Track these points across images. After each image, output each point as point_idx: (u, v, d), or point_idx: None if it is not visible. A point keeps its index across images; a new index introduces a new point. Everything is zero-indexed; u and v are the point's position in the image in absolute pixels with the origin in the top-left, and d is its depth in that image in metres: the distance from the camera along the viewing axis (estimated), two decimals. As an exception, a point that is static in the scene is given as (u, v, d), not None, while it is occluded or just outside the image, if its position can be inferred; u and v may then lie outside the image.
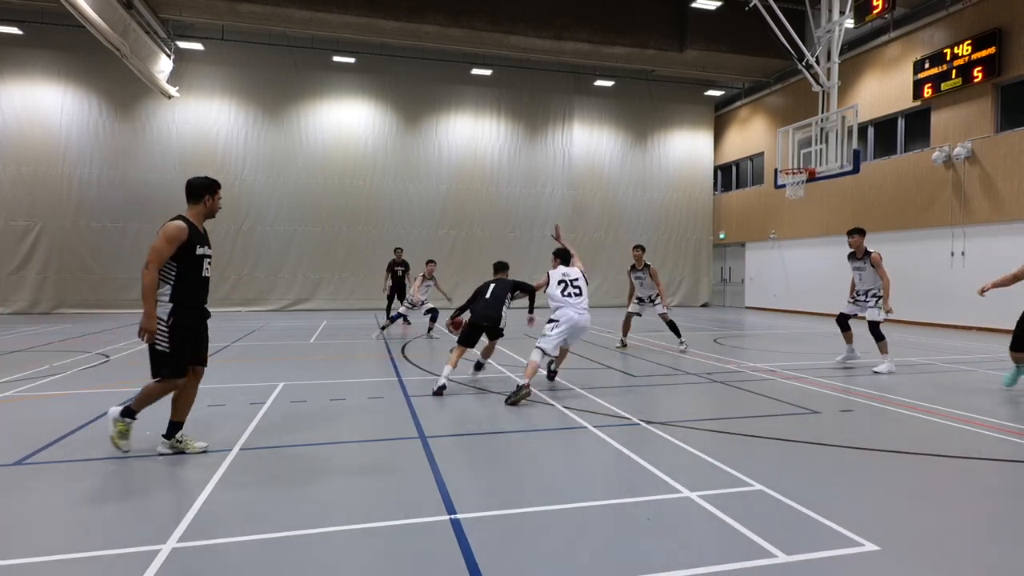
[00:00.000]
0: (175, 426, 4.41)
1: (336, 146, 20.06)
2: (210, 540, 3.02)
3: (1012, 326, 6.70)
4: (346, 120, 20.17)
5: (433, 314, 12.11)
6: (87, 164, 18.07)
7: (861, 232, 8.40)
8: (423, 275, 12.32)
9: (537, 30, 17.92)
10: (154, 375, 4.23)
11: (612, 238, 22.57)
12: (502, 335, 7.39)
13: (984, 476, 4.08)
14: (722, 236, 23.77)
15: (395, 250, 14.71)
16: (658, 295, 10.45)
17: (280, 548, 2.94)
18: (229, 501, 3.54)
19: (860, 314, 8.43)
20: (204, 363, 4.55)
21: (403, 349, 10.24)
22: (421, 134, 20.85)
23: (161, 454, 4.35)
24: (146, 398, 4.28)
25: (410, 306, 12.31)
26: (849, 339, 8.54)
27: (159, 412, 5.72)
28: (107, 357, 9.05)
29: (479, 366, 7.73)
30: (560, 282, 6.88)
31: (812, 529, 3.15)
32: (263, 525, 3.18)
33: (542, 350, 6.47)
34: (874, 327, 8.12)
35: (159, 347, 4.17)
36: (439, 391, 6.48)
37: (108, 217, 18.21)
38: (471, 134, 21.27)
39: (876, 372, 7.92)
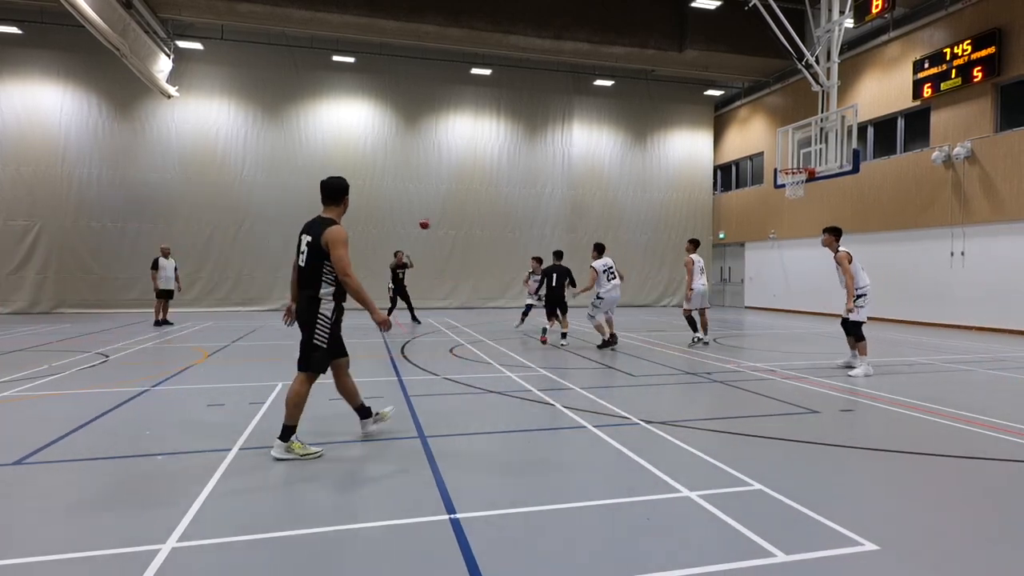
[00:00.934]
0: (288, 430, 4.32)
1: (336, 146, 20.05)
2: (210, 540, 3.02)
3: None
4: (346, 120, 20.16)
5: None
6: (87, 164, 18.05)
7: (831, 230, 8.26)
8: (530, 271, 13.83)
9: (537, 30, 17.92)
10: (303, 369, 4.41)
11: (612, 238, 22.53)
12: (567, 309, 10.93)
13: (984, 476, 4.08)
14: (722, 236, 23.78)
15: (395, 253, 14.86)
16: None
17: (280, 547, 2.94)
18: (229, 500, 3.54)
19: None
20: (347, 354, 4.80)
21: (403, 349, 10.24)
22: (421, 134, 20.84)
23: (278, 459, 4.22)
24: (295, 406, 4.34)
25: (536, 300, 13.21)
26: (852, 344, 8.26)
27: (150, 412, 5.73)
28: (106, 357, 9.05)
29: (564, 336, 10.68)
30: (606, 269, 10.22)
31: (812, 529, 3.15)
32: (262, 524, 3.18)
33: (593, 317, 10.24)
34: (851, 326, 8.02)
35: (318, 342, 4.39)
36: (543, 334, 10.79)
37: (108, 217, 18.20)
38: (471, 134, 21.27)
39: (851, 375, 7.76)
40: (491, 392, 6.69)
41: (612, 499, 3.56)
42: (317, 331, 4.40)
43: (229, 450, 4.45)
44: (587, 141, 22.45)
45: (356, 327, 14.11)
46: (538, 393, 6.59)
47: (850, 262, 7.90)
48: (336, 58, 19.45)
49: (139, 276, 17.56)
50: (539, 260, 13.93)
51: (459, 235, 21.18)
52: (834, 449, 4.63)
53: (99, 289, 18.06)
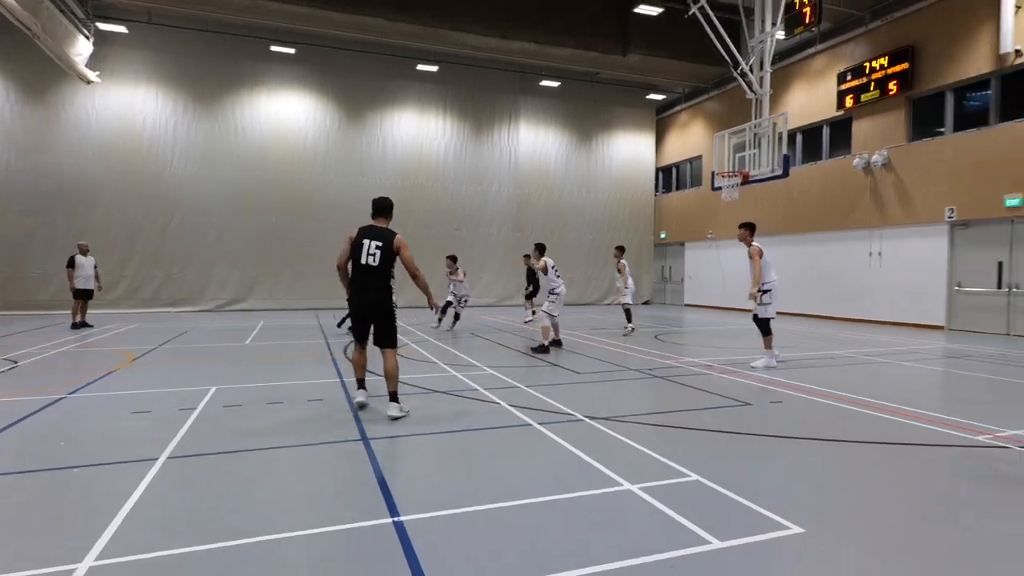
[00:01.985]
0: (395, 394, 5.52)
1: (275, 138, 19.38)
2: (133, 556, 2.85)
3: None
4: (285, 112, 19.52)
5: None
6: (-6, 151, 16.73)
7: (746, 225, 8.64)
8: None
9: (484, 28, 17.91)
10: (390, 345, 5.57)
11: (557, 237, 22.83)
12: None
13: (898, 459, 4.38)
14: (663, 236, 24.48)
15: None
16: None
17: (210, 561, 2.82)
18: (155, 513, 3.37)
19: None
20: None
21: (345, 350, 10.02)
22: (365, 129, 20.44)
23: (394, 417, 5.33)
24: (396, 375, 5.53)
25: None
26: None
27: (66, 421, 5.40)
28: (15, 363, 8.42)
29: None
30: (553, 267, 10.21)
31: (744, 515, 3.29)
32: (192, 537, 3.04)
33: (548, 313, 10.03)
34: (760, 322, 8.46)
35: (395, 324, 5.59)
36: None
37: (17, 207, 16.82)
38: (416, 130, 21.03)
39: (752, 367, 8.16)
40: (436, 392, 6.65)
41: (556, 495, 3.61)
42: (394, 316, 5.60)
43: (156, 459, 4.23)
44: (533, 141, 22.62)
45: (297, 327, 13.72)
46: (484, 392, 6.59)
47: (760, 257, 8.32)
48: (275, 48, 18.80)
49: (54, 274, 16.43)
50: (454, 259, 13.83)
51: (404, 233, 20.40)
52: (765, 439, 4.86)
53: (6, 288, 16.73)
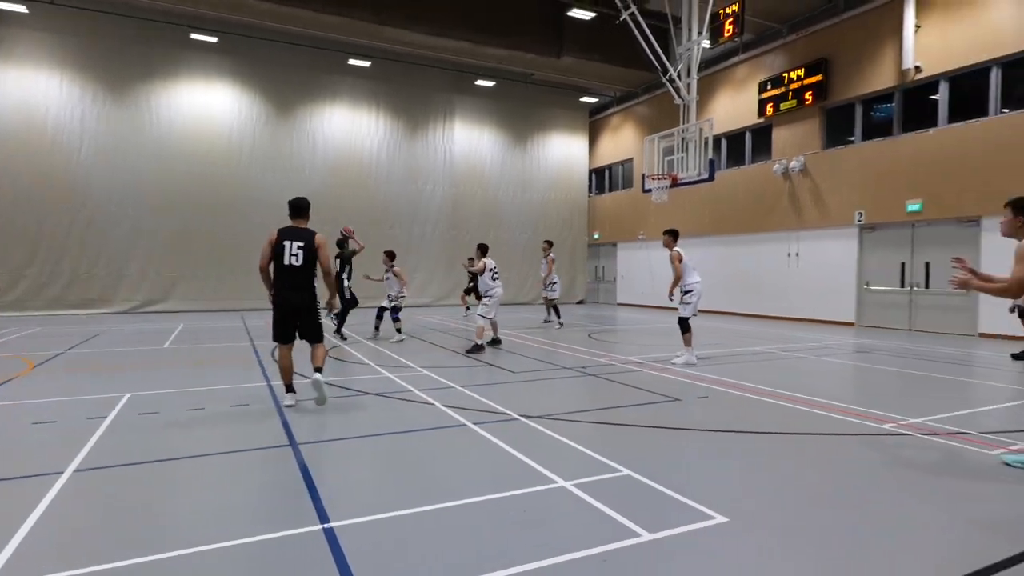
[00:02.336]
0: (320, 369, 5.84)
1: (195, 131, 18.39)
2: None
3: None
4: (206, 104, 18.55)
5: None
6: None
7: (669, 232, 9.26)
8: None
9: (417, 24, 17.66)
10: (320, 340, 5.93)
11: (493, 237, 22.84)
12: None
13: (814, 449, 4.65)
14: (596, 236, 24.99)
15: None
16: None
17: (124, 576, 2.64)
18: (59, 531, 3.12)
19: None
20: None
21: (273, 352, 9.65)
22: (294, 123, 19.74)
23: (320, 382, 5.72)
24: (323, 359, 5.93)
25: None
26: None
27: (-30, 431, 4.94)
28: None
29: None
30: (491, 269, 10.34)
31: (672, 507, 3.40)
32: (99, 556, 2.83)
33: (483, 316, 10.12)
34: (680, 321, 8.92)
35: (319, 320, 5.99)
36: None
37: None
38: (348, 126, 20.51)
39: (672, 363, 8.62)
40: (368, 394, 6.50)
41: (491, 494, 3.60)
42: (318, 312, 5.98)
43: (61, 473, 3.92)
44: (469, 140, 22.55)
45: (221, 329, 13.09)
46: (418, 393, 6.51)
47: (680, 261, 8.92)
48: (195, 36, 17.84)
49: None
50: (391, 255, 12.97)
51: (335, 231, 20.28)
52: (692, 433, 5.04)
53: None
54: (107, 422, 5.21)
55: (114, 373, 7.72)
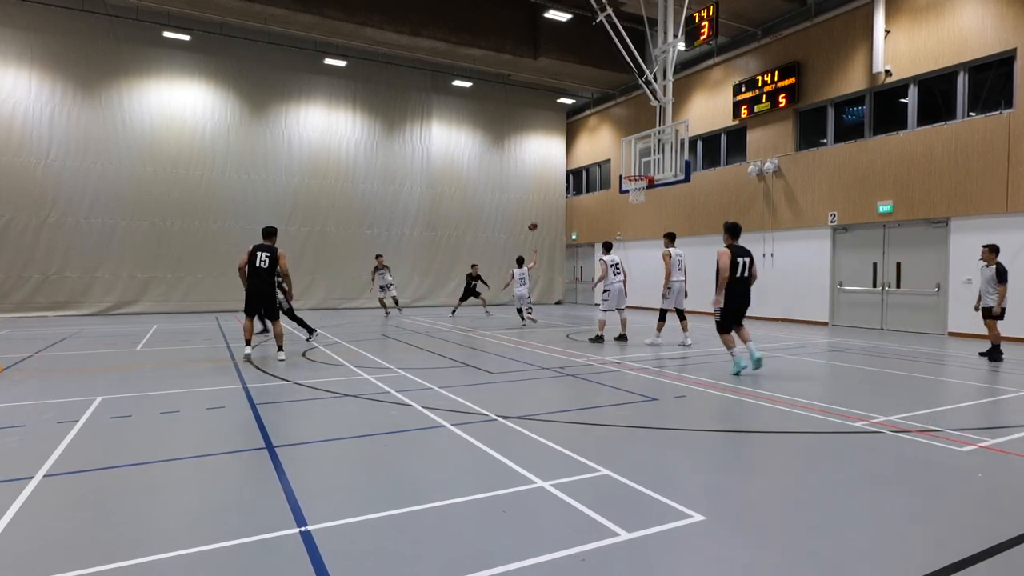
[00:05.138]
0: (282, 348, 8.98)
1: (167, 131, 18.06)
2: (2, 585, 2.57)
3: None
4: (179, 103, 18.23)
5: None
6: None
7: (665, 235, 11.01)
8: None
9: (393, 24, 17.59)
10: (277, 318, 8.96)
11: (471, 237, 22.86)
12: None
13: (789, 447, 4.73)
14: (574, 237, 25.10)
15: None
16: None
17: (95, 585, 2.58)
18: (28, 537, 3.04)
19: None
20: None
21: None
22: (268, 123, 19.49)
23: (282, 360, 8.56)
24: (282, 335, 9.04)
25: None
26: (685, 327, 10.84)
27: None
28: None
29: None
30: (613, 264, 11.15)
31: (650, 506, 3.43)
32: (72, 562, 2.76)
33: (604, 310, 11.40)
34: (661, 311, 10.99)
35: (276, 304, 8.90)
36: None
37: None
38: (324, 126, 20.32)
39: (646, 343, 10.77)
40: (346, 396, 6.45)
41: (469, 495, 3.60)
42: (275, 299, 8.88)
43: (30, 479, 3.82)
44: (446, 140, 22.49)
45: (195, 331, 12.85)
46: (396, 395, 6.48)
47: (669, 259, 10.63)
48: (167, 34, 17.52)
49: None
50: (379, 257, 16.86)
51: (312, 232, 20.16)
52: (670, 432, 5.09)
53: None
54: (78, 426, 5.09)
55: (85, 376, 7.54)
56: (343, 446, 4.78)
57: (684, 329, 10.88)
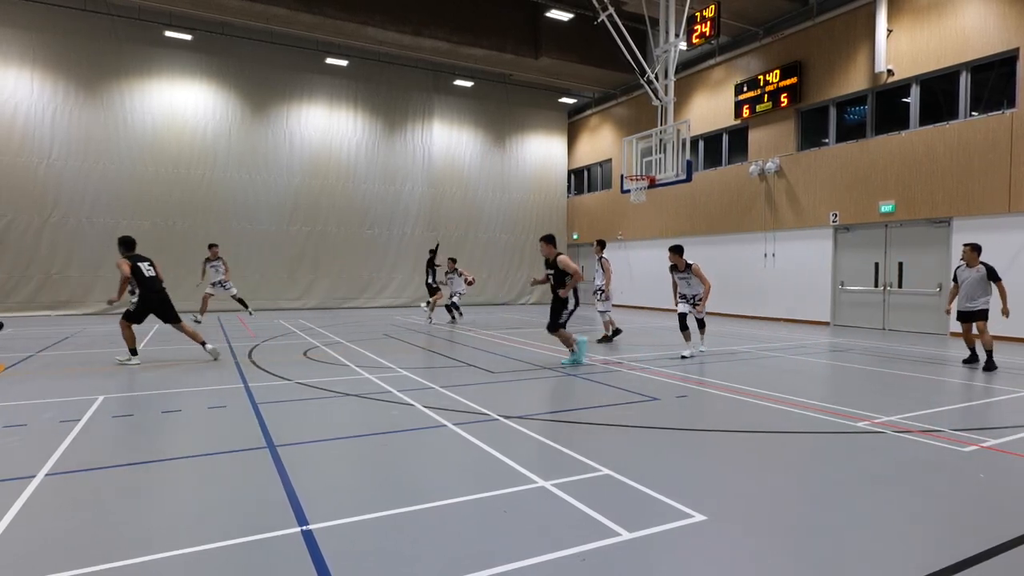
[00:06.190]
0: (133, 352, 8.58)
1: (169, 131, 18.08)
2: (4, 584, 2.57)
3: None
4: (180, 103, 18.25)
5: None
6: None
7: (675, 251, 9.62)
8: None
9: (395, 24, 17.59)
10: (180, 320, 8.86)
11: (472, 237, 22.85)
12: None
13: (790, 447, 4.72)
14: (575, 236, 25.08)
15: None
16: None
17: (97, 583, 2.59)
18: (29, 537, 3.04)
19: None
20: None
21: (250, 353, 9.53)
22: (269, 123, 19.50)
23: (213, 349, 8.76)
24: (194, 334, 8.82)
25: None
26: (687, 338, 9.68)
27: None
28: None
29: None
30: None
31: (652, 506, 3.43)
32: (75, 560, 2.77)
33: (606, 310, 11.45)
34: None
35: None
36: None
37: None
38: (325, 126, 20.33)
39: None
40: (348, 395, 6.45)
41: (471, 495, 3.60)
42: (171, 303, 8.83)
43: (32, 477, 3.83)
44: (447, 140, 22.49)
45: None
46: (398, 394, 6.48)
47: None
48: (169, 34, 17.54)
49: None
50: (452, 259, 15.68)
51: (313, 232, 20.17)
52: (671, 432, 5.09)
53: None
54: (80, 425, 5.10)
55: (87, 375, 7.56)
56: (344, 445, 4.78)
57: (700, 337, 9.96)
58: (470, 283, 15.19)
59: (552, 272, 8.52)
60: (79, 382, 7.15)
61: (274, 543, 2.97)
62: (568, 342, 8.51)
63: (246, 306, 15.05)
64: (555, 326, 8.48)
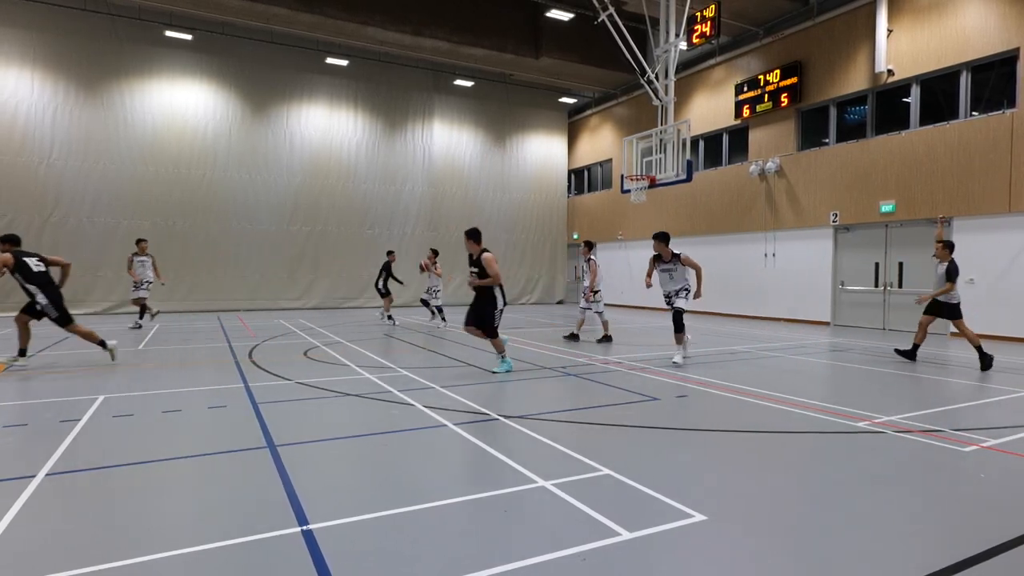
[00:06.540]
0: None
1: (169, 131, 18.08)
2: (4, 584, 2.57)
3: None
4: (181, 102, 18.25)
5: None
6: None
7: (660, 237, 9.47)
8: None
9: (395, 24, 17.58)
10: (72, 321, 8.47)
11: (472, 237, 22.80)
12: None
13: (790, 447, 4.72)
14: (575, 236, 25.08)
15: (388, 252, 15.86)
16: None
17: (97, 583, 2.59)
18: (32, 536, 3.05)
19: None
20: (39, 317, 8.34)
21: (250, 353, 9.53)
22: (270, 123, 19.50)
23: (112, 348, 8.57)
24: (89, 334, 8.59)
25: None
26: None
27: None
28: None
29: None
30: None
31: (652, 506, 3.43)
32: (75, 560, 2.77)
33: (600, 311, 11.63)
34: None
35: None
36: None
37: None
38: (326, 126, 20.33)
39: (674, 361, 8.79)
40: (348, 395, 6.46)
41: (471, 495, 3.60)
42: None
43: (32, 477, 3.83)
44: (448, 140, 22.49)
45: (195, 330, 12.87)
46: (398, 394, 6.48)
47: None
48: (169, 33, 17.54)
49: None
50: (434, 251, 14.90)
51: (313, 231, 20.16)
52: (671, 432, 5.09)
53: None
54: (80, 425, 5.10)
55: (88, 375, 7.56)
56: (345, 445, 4.78)
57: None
58: (439, 276, 14.59)
59: (476, 271, 7.98)
60: (79, 382, 7.15)
61: (274, 543, 2.97)
62: (500, 348, 8.02)
63: (150, 310, 13.94)
64: (492, 332, 7.97)
